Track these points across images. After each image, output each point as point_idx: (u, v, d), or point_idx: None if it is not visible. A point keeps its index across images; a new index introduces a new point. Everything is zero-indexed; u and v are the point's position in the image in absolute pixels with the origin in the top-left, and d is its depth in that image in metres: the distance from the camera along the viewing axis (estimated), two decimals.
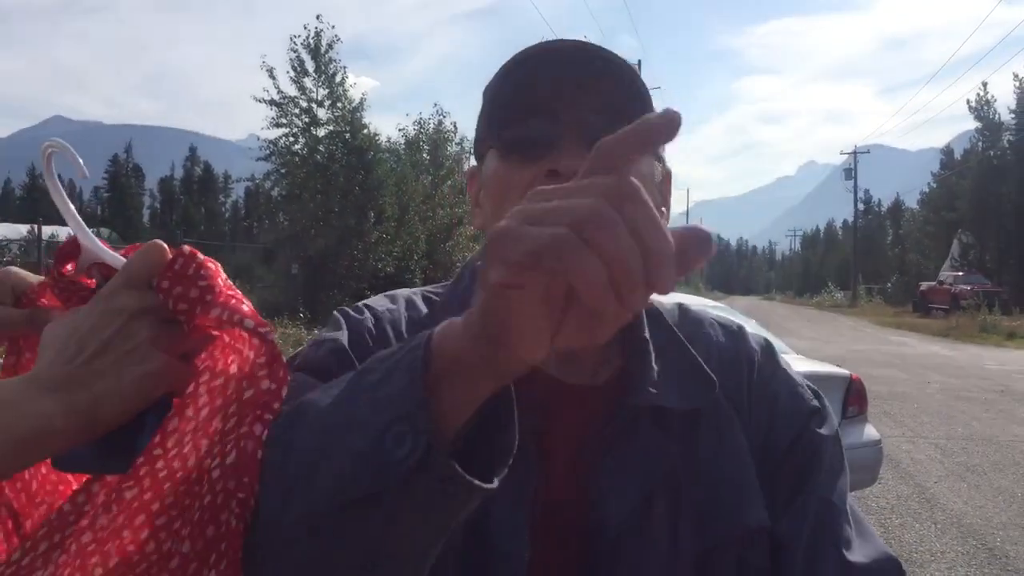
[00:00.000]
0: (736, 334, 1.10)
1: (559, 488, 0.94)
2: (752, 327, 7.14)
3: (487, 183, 0.98)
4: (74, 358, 0.75)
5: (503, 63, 1.00)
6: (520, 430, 0.69)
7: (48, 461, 0.83)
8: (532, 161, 0.91)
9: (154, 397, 0.78)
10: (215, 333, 0.80)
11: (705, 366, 1.00)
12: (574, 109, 0.91)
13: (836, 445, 1.03)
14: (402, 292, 1.14)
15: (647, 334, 1.01)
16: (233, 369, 0.79)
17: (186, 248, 0.80)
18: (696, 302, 8.01)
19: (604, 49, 0.96)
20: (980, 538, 6.07)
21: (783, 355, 1.12)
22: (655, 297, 0.97)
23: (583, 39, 0.99)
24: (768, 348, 1.10)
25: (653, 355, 0.99)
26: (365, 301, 1.12)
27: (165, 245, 0.79)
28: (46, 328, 0.81)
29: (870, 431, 5.88)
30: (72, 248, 0.85)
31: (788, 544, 0.96)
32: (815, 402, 1.05)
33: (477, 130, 1.04)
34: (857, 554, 0.98)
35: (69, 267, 0.86)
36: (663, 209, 0.98)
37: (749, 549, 0.95)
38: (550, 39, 0.99)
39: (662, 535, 0.93)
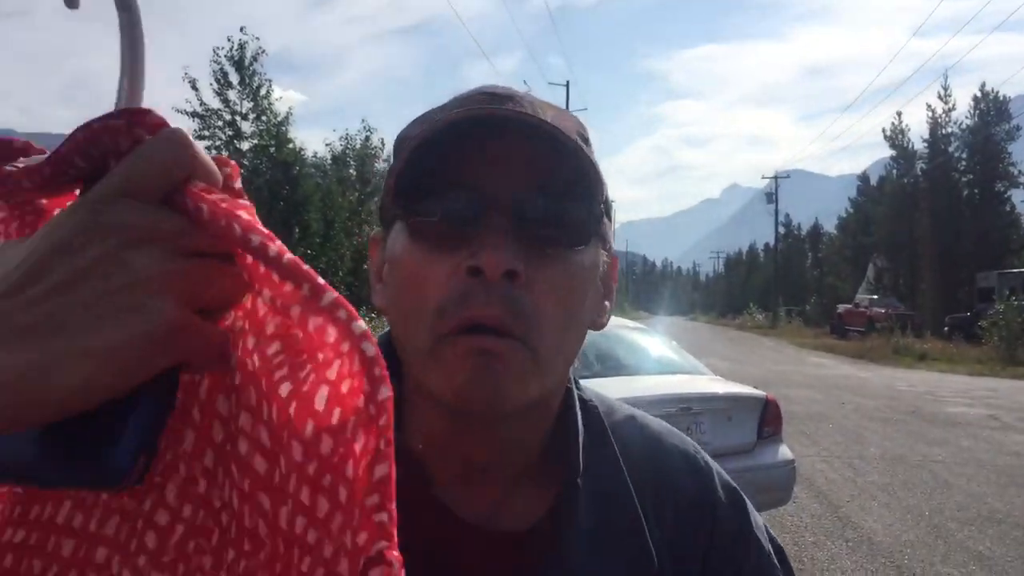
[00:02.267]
0: (703, 474, 0.94)
1: None
2: (674, 349, 7.22)
3: (395, 264, 0.78)
4: (18, 290, 0.46)
5: (424, 111, 0.83)
6: None
7: None
8: (447, 251, 0.73)
9: (150, 370, 0.48)
10: (262, 287, 0.52)
11: (650, 541, 0.83)
12: (502, 183, 0.73)
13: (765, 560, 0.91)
14: None
15: (580, 473, 0.83)
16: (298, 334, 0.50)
17: (231, 160, 0.54)
18: (617, 323, 8.08)
19: (551, 111, 0.78)
20: (889, 556, 6.20)
21: (719, 471, 0.97)
22: (601, 402, 0.93)
23: (524, 90, 0.82)
24: (737, 499, 0.94)
25: (583, 503, 0.82)
26: None
27: (190, 137, 0.51)
28: None
29: (784, 451, 5.98)
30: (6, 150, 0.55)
31: None
32: (780, 572, 0.92)
33: (384, 190, 0.83)
34: None
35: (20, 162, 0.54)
36: (607, 302, 0.86)
37: None
38: (485, 90, 0.80)
39: None
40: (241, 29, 31.00)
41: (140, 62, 0.61)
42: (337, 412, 0.47)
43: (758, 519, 0.94)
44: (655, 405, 5.64)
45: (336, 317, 0.48)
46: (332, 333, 0.48)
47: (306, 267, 0.49)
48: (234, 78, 30.68)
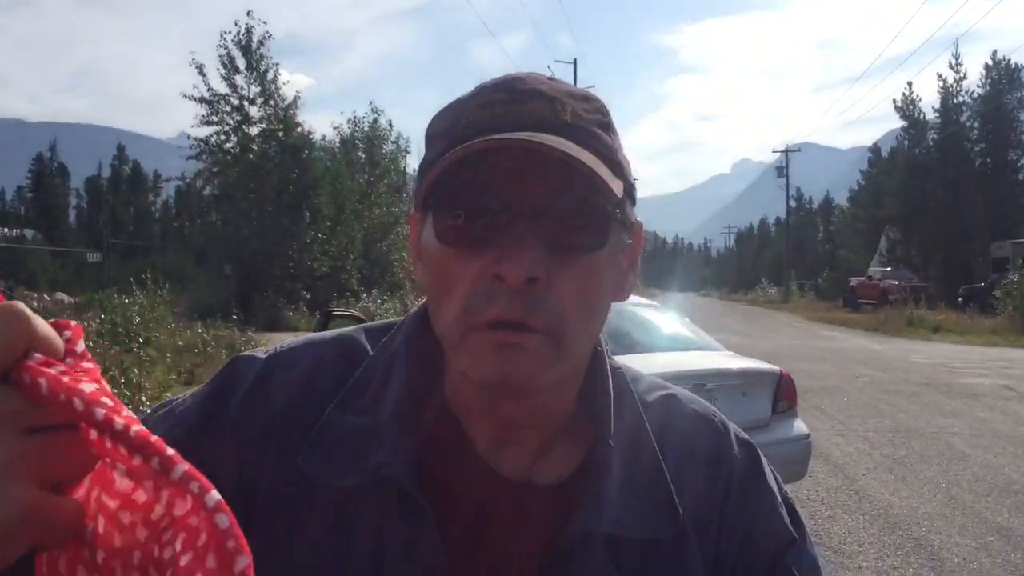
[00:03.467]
0: (720, 434, 0.98)
1: None
2: (687, 325, 7.21)
3: (428, 254, 0.83)
4: None
5: (457, 101, 0.86)
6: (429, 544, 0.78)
7: None
8: (476, 254, 0.78)
9: (7, 558, 0.47)
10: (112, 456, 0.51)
11: (674, 493, 0.88)
12: (525, 196, 0.77)
13: (801, 541, 0.94)
14: (333, 338, 0.98)
15: (611, 433, 0.89)
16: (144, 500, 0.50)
17: (71, 322, 0.53)
18: (629, 300, 8.07)
19: (571, 102, 0.82)
20: (906, 528, 6.19)
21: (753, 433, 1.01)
22: (627, 365, 1.02)
23: (550, 79, 0.86)
24: (753, 455, 0.97)
25: (615, 461, 0.88)
26: (276, 350, 0.96)
27: (27, 311, 0.49)
28: None
29: (800, 426, 5.97)
30: None
31: None
32: (794, 530, 0.94)
33: (419, 175, 0.87)
34: None
35: None
36: (630, 275, 0.91)
37: None
38: (509, 83, 0.83)
39: None
40: (248, 13, 30.93)
41: None
42: None
43: (773, 477, 0.98)
44: (669, 382, 5.63)
45: (188, 489, 0.47)
46: (185, 506, 0.47)
47: (154, 439, 0.48)
48: (241, 63, 30.69)
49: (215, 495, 0.47)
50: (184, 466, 0.47)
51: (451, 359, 0.86)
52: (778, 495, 0.96)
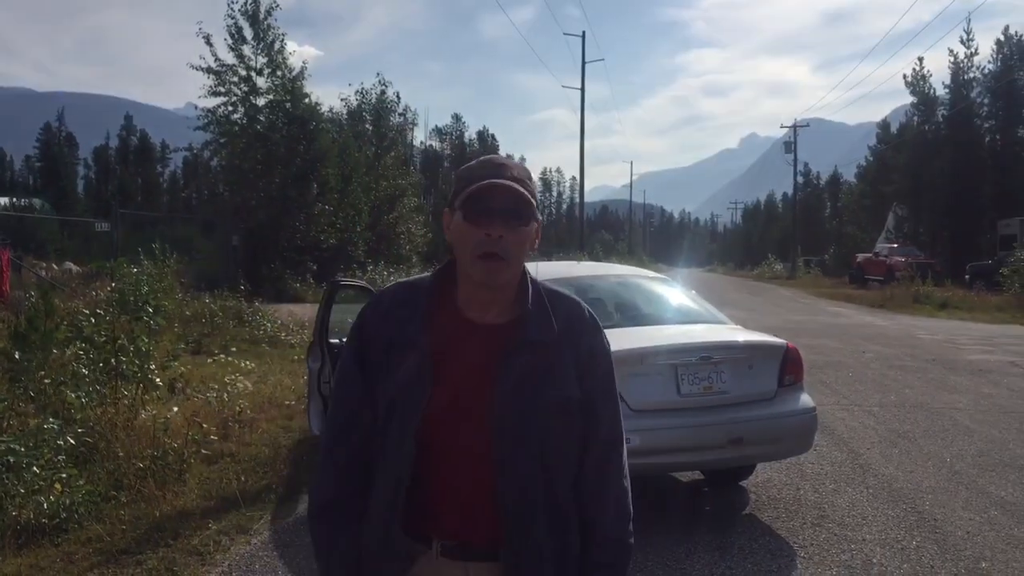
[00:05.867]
0: (583, 309, 1.94)
1: (481, 372, 1.79)
2: (693, 298, 7.21)
3: (456, 228, 1.79)
4: None
5: (479, 160, 1.86)
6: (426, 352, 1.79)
7: None
8: (480, 227, 1.75)
9: None
10: None
11: (554, 320, 1.85)
12: (499, 203, 1.75)
13: (606, 344, 1.94)
14: (413, 279, 2.00)
15: (530, 300, 1.86)
16: None
17: None
18: (636, 272, 8.08)
19: (516, 169, 1.82)
20: (910, 502, 6.23)
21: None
22: (537, 270, 2.17)
23: (508, 157, 2.02)
24: (597, 328, 1.94)
25: (531, 311, 1.84)
26: (384, 288, 2.04)
27: None
28: None
29: (805, 399, 5.98)
30: None
31: (590, 398, 1.86)
32: (596, 325, 1.93)
33: (451, 194, 1.83)
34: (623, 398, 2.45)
35: None
36: (536, 240, 1.86)
37: (569, 405, 1.83)
38: (494, 160, 1.84)
39: (530, 394, 1.78)
40: None
41: None
42: None
43: (608, 349, 1.95)
44: (675, 354, 5.65)
45: None
46: None
47: None
48: (248, 33, 30.46)
49: None
50: None
51: (463, 271, 1.82)
52: (610, 368, 1.94)
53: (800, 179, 79.41)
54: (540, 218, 1.84)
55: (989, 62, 47.44)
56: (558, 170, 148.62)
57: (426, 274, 1.96)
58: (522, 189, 1.76)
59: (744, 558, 5.13)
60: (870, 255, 43.88)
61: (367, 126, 40.87)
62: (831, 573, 4.90)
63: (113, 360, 7.48)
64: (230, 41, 30.14)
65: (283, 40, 31.03)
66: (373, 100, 41.33)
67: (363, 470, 1.89)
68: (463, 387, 1.78)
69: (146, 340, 7.97)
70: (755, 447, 5.75)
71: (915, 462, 7.37)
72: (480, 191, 1.75)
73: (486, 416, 1.76)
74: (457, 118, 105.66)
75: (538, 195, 1.91)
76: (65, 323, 8.29)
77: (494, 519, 1.77)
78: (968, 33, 47.44)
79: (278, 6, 30.85)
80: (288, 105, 30.93)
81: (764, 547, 5.34)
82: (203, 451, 6.92)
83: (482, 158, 1.87)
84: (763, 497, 6.43)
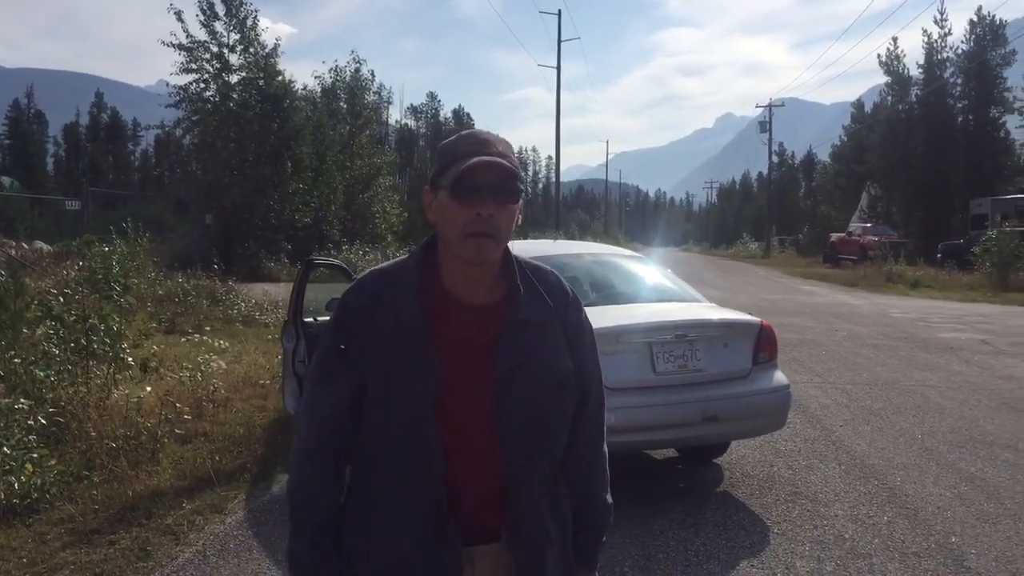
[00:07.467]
0: (565, 286, 1.95)
1: (479, 353, 1.76)
2: (668, 277, 7.22)
3: (441, 207, 1.74)
4: None
5: (459, 135, 1.80)
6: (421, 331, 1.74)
7: None
8: (469, 205, 1.70)
9: None
10: None
11: (546, 297, 1.86)
12: (488, 181, 1.70)
13: (587, 319, 1.96)
14: (388, 264, 1.90)
15: (519, 278, 1.84)
16: None
17: None
18: (611, 251, 8.07)
19: (501, 144, 1.77)
20: (882, 478, 6.29)
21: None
22: (517, 250, 2.02)
23: (489, 133, 1.80)
24: (576, 296, 1.96)
25: (521, 290, 1.83)
26: (359, 277, 1.91)
27: None
28: None
29: (780, 376, 6.01)
30: None
31: (580, 369, 1.89)
32: (576, 296, 1.95)
33: (433, 172, 1.78)
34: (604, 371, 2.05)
35: None
36: (519, 217, 1.79)
37: (568, 379, 1.84)
38: (479, 136, 1.77)
39: (531, 373, 1.78)
40: None
41: None
42: None
43: (590, 324, 1.97)
44: (650, 332, 5.65)
45: None
46: None
47: None
48: (220, 9, 30.07)
49: None
50: None
51: (450, 250, 1.77)
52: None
53: (775, 159, 79.74)
54: (522, 198, 1.80)
55: (962, 42, 47.80)
56: (534, 149, 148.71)
57: (400, 258, 1.90)
58: (510, 165, 1.71)
59: (718, 534, 5.17)
60: (844, 234, 44.16)
61: (341, 104, 40.51)
62: (804, 548, 4.94)
63: (84, 339, 7.41)
64: (202, 17, 29.77)
65: (256, 17, 30.68)
66: (347, 78, 40.94)
67: (342, 471, 1.85)
68: (462, 369, 1.74)
69: (117, 319, 7.89)
70: (730, 424, 5.78)
71: (887, 439, 7.44)
72: (470, 169, 1.68)
73: (487, 397, 1.74)
74: (432, 96, 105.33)
75: (523, 173, 1.92)
76: (35, 302, 8.20)
77: (497, 501, 1.77)
78: (942, 13, 47.75)
79: None
80: (261, 82, 30.61)
81: (738, 523, 5.37)
82: (176, 431, 6.87)
83: (463, 132, 1.80)
84: (737, 474, 6.47)
